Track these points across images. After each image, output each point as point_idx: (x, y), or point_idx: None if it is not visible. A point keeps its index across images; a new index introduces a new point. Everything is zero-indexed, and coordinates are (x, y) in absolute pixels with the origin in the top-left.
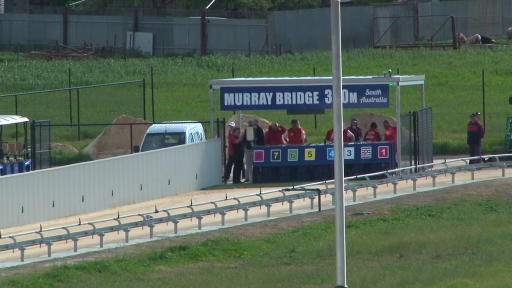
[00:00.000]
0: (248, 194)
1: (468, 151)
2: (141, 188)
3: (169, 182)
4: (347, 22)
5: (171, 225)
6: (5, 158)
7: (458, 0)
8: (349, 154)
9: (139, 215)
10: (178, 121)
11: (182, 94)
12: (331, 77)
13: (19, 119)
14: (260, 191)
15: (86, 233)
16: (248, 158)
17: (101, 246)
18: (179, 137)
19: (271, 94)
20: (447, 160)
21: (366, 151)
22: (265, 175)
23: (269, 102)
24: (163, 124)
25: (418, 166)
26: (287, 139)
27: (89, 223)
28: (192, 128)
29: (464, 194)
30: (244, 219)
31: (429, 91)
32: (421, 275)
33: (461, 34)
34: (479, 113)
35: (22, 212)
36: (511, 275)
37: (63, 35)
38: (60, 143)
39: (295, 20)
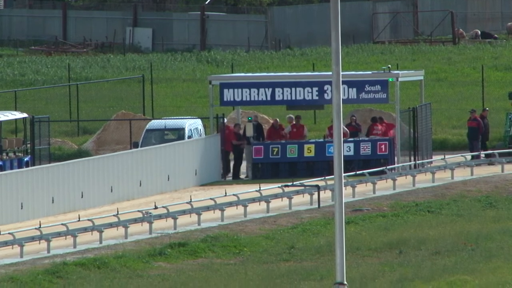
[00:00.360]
0: (248, 190)
1: (468, 147)
2: (140, 184)
3: (168, 178)
4: (346, 18)
5: (170, 221)
6: (4, 154)
7: None
8: (348, 150)
9: (138, 211)
10: (177, 117)
11: (181, 90)
12: (330, 73)
13: (18, 115)
14: (260, 187)
15: (85, 230)
16: (248, 154)
17: (101, 242)
18: (179, 133)
19: (270, 89)
20: (446, 156)
21: (365, 147)
22: (265, 171)
23: (269, 98)
24: (163, 120)
25: (417, 162)
26: (288, 134)
27: (88, 220)
28: (192, 124)
29: (463, 190)
30: (244, 216)
31: (428, 87)
32: (420, 272)
33: (461, 29)
34: (475, 110)
35: (22, 208)
36: (511, 272)
37: (62, 30)
38: (60, 139)
39: (294, 16)
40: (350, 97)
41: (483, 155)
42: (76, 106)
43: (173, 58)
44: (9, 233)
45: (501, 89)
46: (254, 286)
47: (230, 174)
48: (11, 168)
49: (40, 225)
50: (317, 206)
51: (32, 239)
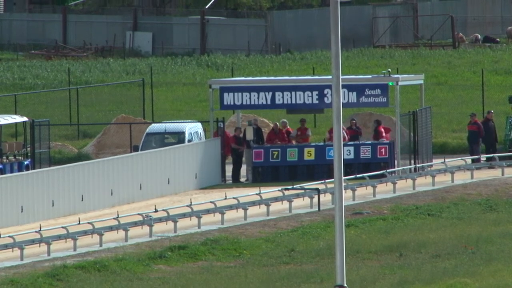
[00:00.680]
0: (248, 193)
1: (468, 150)
2: (140, 187)
3: (168, 182)
4: (346, 22)
5: (170, 224)
6: (4, 157)
7: None
8: (348, 153)
9: (138, 214)
10: (177, 121)
11: (181, 94)
12: (330, 77)
13: (18, 118)
14: (260, 191)
15: (85, 233)
16: (248, 158)
17: (101, 245)
18: (179, 137)
19: (270, 93)
20: (446, 160)
21: (365, 151)
22: (265, 175)
23: (269, 102)
24: (163, 124)
25: (417, 165)
26: (294, 139)
27: (88, 223)
28: (192, 128)
29: (463, 194)
30: (244, 219)
31: (428, 91)
32: (420, 275)
33: (461, 33)
34: (475, 113)
35: (22, 211)
36: (511, 275)
37: (62, 34)
38: (60, 143)
39: (294, 20)
40: (350, 101)
41: (484, 159)
42: (76, 110)
43: (173, 62)
44: (9, 236)
45: (501, 93)
46: None
47: (228, 178)
48: (11, 172)
49: (40, 228)
50: (317, 209)
51: (33, 242)
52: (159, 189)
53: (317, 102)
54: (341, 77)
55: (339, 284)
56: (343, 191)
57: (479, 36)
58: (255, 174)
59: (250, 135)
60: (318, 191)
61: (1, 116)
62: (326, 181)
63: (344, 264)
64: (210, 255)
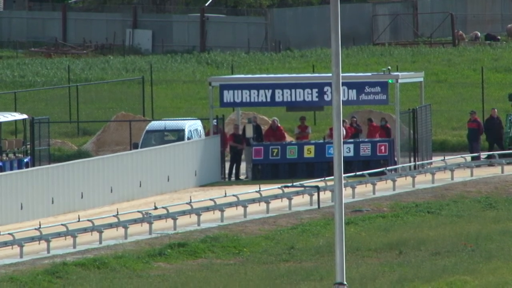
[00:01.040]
0: (247, 191)
1: (467, 148)
2: (140, 185)
3: (168, 179)
4: (346, 20)
5: (170, 222)
6: (4, 155)
7: None
8: (348, 151)
9: (138, 212)
10: (177, 118)
11: (181, 91)
12: (330, 74)
13: (18, 116)
14: (259, 188)
15: (85, 230)
16: (247, 155)
17: (100, 242)
18: (178, 134)
19: (270, 91)
20: (446, 157)
21: (365, 148)
22: (264, 172)
23: (269, 99)
24: (162, 121)
25: (417, 163)
26: (296, 136)
27: (88, 220)
28: (191, 125)
29: (463, 191)
30: (243, 216)
31: (428, 88)
32: (420, 272)
33: (460, 31)
34: (475, 111)
35: (21, 208)
36: (510, 272)
37: (62, 32)
38: (59, 140)
39: (294, 17)
40: (350, 99)
41: (483, 156)
42: (76, 107)
43: (173, 60)
44: (9, 234)
45: (501, 90)
46: (254, 286)
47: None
48: (11, 169)
49: (40, 225)
50: (317, 206)
51: (32, 239)
52: (159, 187)
53: (317, 99)
54: (341, 74)
55: (339, 281)
56: (343, 188)
57: (479, 34)
58: (255, 171)
59: (249, 133)
60: (317, 189)
61: (1, 113)
62: (326, 178)
63: (343, 262)
64: (209, 253)
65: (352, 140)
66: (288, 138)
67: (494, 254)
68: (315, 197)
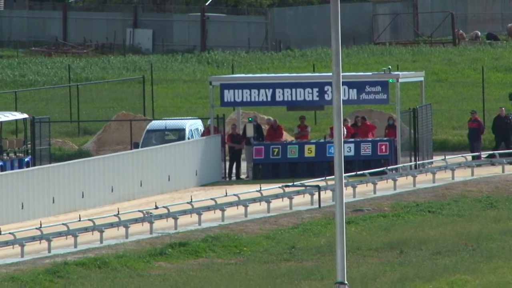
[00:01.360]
0: (248, 190)
1: (468, 147)
2: (141, 184)
3: (169, 179)
4: (346, 19)
5: (171, 221)
6: (5, 154)
7: None
8: (349, 150)
9: (139, 211)
10: (178, 118)
11: (182, 91)
12: (330, 74)
13: (18, 115)
14: (260, 188)
15: (86, 229)
16: (248, 155)
17: (101, 242)
18: (179, 134)
19: (270, 90)
20: (447, 157)
21: (366, 148)
22: (265, 172)
23: (269, 99)
24: (163, 121)
25: (418, 162)
26: (296, 135)
27: (89, 219)
28: (192, 125)
29: (464, 191)
30: (244, 216)
31: (429, 88)
32: (421, 272)
33: (461, 30)
34: (476, 110)
35: (22, 208)
36: (511, 272)
37: (62, 31)
38: (60, 140)
39: (294, 17)
40: (350, 98)
41: (484, 156)
42: (76, 106)
43: (174, 59)
44: (10, 233)
45: (501, 90)
46: (255, 285)
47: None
48: (12, 169)
49: (41, 225)
50: (317, 206)
51: (33, 239)
52: (160, 186)
53: (317, 99)
54: (341, 74)
55: (340, 281)
56: (344, 188)
57: (479, 33)
58: (256, 171)
59: (250, 132)
60: (318, 188)
61: (1, 113)
62: (327, 178)
63: (344, 261)
64: (210, 252)
65: (352, 140)
66: (289, 138)
67: (495, 253)
68: (316, 196)
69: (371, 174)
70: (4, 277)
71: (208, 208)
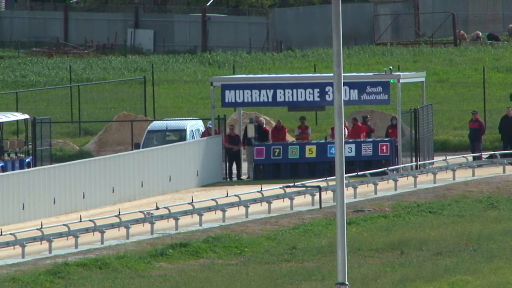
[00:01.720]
0: (249, 191)
1: (469, 148)
2: (142, 185)
3: (170, 179)
4: (348, 19)
5: (172, 222)
6: (5, 155)
7: None
8: (350, 151)
9: (140, 212)
10: (179, 118)
11: (183, 91)
12: (331, 74)
13: (19, 116)
14: (261, 188)
15: (87, 230)
16: (249, 155)
17: (102, 243)
18: (180, 134)
19: (272, 91)
20: (448, 157)
21: (366, 148)
22: (266, 172)
23: (270, 99)
24: (164, 121)
25: (419, 163)
26: (296, 137)
27: (90, 220)
28: (193, 125)
29: (465, 191)
30: (245, 216)
31: (429, 88)
32: (421, 272)
33: (462, 31)
34: (477, 111)
35: (23, 209)
36: None
37: (63, 32)
38: (61, 140)
39: (296, 17)
40: (351, 99)
41: (485, 156)
42: (77, 107)
43: (175, 60)
44: (10, 234)
45: (502, 90)
46: (256, 286)
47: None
48: (13, 169)
49: (41, 225)
50: (318, 206)
51: (34, 239)
52: (161, 187)
53: (318, 99)
54: (342, 74)
55: (341, 281)
56: (345, 188)
57: (480, 34)
58: (257, 171)
59: (251, 133)
60: (319, 189)
61: (2, 113)
62: (328, 178)
63: (345, 262)
64: (211, 253)
65: (353, 140)
66: (289, 139)
67: (496, 254)
68: (316, 197)
69: (372, 174)
70: (5, 278)
71: (209, 209)
